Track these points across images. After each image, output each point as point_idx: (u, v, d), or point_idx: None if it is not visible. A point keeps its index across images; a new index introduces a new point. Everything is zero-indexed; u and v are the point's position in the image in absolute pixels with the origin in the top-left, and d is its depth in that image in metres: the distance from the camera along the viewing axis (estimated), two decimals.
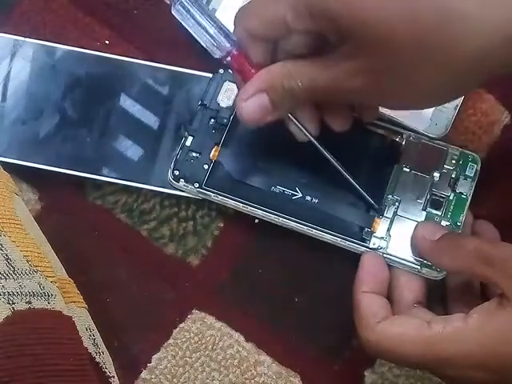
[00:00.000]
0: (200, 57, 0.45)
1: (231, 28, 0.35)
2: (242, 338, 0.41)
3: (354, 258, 0.39)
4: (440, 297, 0.39)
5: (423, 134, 0.42)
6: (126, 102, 0.43)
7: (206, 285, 0.42)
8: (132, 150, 0.43)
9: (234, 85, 0.42)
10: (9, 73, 0.44)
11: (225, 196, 0.40)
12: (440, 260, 0.37)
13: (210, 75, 0.43)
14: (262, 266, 0.42)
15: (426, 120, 0.42)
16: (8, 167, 0.40)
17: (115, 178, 0.42)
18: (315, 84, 0.33)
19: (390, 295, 0.38)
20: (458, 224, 0.40)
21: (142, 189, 0.42)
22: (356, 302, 0.37)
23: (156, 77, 0.44)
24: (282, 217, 0.40)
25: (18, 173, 0.42)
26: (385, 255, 0.39)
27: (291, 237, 0.41)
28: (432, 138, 0.42)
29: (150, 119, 0.43)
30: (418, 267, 0.39)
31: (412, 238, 0.39)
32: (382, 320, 0.35)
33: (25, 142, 0.42)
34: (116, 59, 0.44)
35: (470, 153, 0.41)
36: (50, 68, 0.44)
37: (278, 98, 0.35)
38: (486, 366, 0.32)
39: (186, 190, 0.41)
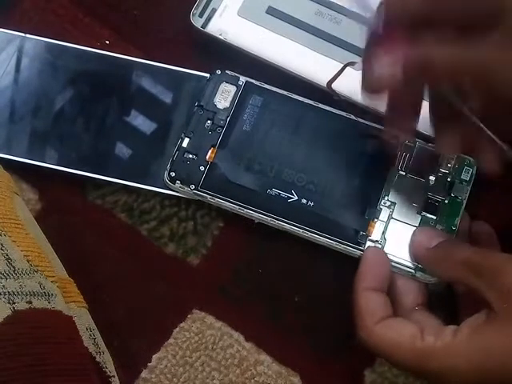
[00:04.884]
0: (199, 57, 0.45)
1: None
2: (241, 338, 0.41)
3: (354, 258, 0.40)
4: (444, 299, 0.40)
5: (421, 133, 0.42)
6: (127, 102, 0.44)
7: (206, 284, 0.42)
8: (132, 150, 0.43)
9: (231, 86, 0.43)
10: (11, 69, 0.44)
11: (221, 198, 0.40)
12: (432, 268, 0.38)
13: (208, 75, 0.43)
14: (262, 265, 0.42)
15: (425, 119, 0.42)
16: (9, 167, 0.40)
17: (115, 178, 0.42)
18: (456, 60, 0.30)
19: (390, 297, 0.38)
20: (453, 228, 0.40)
21: (142, 189, 0.42)
22: (355, 299, 0.37)
23: (155, 76, 0.44)
24: (277, 219, 0.40)
25: (19, 173, 0.42)
26: None
27: (291, 237, 0.41)
28: (431, 138, 0.42)
29: (150, 119, 0.43)
30: (413, 271, 0.39)
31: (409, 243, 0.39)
32: (380, 321, 0.35)
33: (26, 139, 0.42)
34: (116, 58, 0.44)
35: (466, 157, 0.41)
36: (52, 65, 0.44)
37: (412, 71, 0.32)
38: (473, 382, 0.32)
39: (182, 191, 0.41)
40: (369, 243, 0.40)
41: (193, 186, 0.41)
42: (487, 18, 0.29)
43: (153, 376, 0.40)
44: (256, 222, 0.41)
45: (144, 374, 0.40)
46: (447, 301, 0.40)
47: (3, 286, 0.32)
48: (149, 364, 0.40)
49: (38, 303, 0.33)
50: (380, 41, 0.33)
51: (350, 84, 0.43)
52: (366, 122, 0.42)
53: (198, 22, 0.45)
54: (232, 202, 0.40)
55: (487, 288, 0.33)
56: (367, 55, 0.34)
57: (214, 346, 0.41)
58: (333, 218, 0.40)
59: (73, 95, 0.43)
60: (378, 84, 0.33)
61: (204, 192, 0.41)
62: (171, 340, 0.41)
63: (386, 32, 0.33)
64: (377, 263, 0.38)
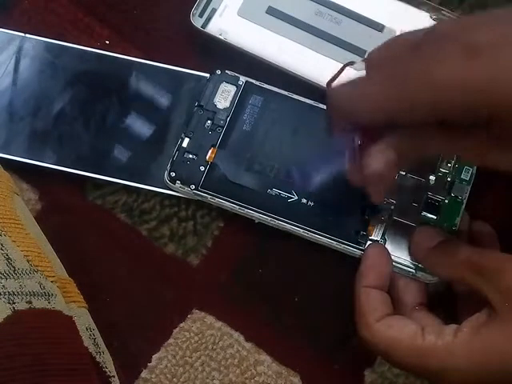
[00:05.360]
0: (199, 57, 0.45)
1: None
2: (241, 338, 0.41)
3: (354, 258, 0.40)
4: (444, 299, 0.40)
5: None
6: (127, 102, 0.44)
7: (206, 284, 0.42)
8: (132, 150, 0.43)
9: (231, 86, 0.43)
10: (11, 69, 0.44)
11: (221, 198, 0.40)
12: (433, 268, 0.37)
13: (208, 75, 0.43)
14: (262, 265, 0.42)
15: None
16: (9, 167, 0.40)
17: (115, 178, 0.42)
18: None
19: (391, 297, 0.38)
20: (453, 228, 0.40)
21: (142, 189, 0.42)
22: (356, 296, 0.37)
23: (155, 76, 0.44)
24: (277, 219, 0.40)
25: (19, 173, 0.42)
26: None
27: (291, 237, 0.41)
28: None
29: (149, 119, 0.43)
30: (413, 271, 0.39)
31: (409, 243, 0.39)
32: (381, 319, 0.35)
33: (26, 139, 0.42)
34: (116, 58, 0.44)
35: None
36: (52, 65, 0.44)
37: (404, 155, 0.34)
38: (474, 381, 0.32)
39: (182, 191, 0.41)
40: (369, 243, 0.40)
41: (193, 186, 0.41)
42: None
43: (153, 376, 0.40)
44: (256, 221, 0.41)
45: (144, 374, 0.40)
46: (447, 301, 0.40)
47: (3, 285, 0.32)
48: (149, 364, 0.40)
49: (38, 303, 0.33)
50: (363, 142, 0.35)
51: None
52: None
53: (198, 22, 0.45)
54: (232, 202, 0.40)
55: (488, 288, 0.33)
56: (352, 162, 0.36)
57: (214, 346, 0.41)
58: (333, 218, 0.40)
59: (73, 95, 0.43)
60: (377, 176, 0.34)
61: (204, 192, 0.41)
62: (171, 340, 0.41)
63: (363, 133, 0.35)
64: (378, 261, 0.38)
